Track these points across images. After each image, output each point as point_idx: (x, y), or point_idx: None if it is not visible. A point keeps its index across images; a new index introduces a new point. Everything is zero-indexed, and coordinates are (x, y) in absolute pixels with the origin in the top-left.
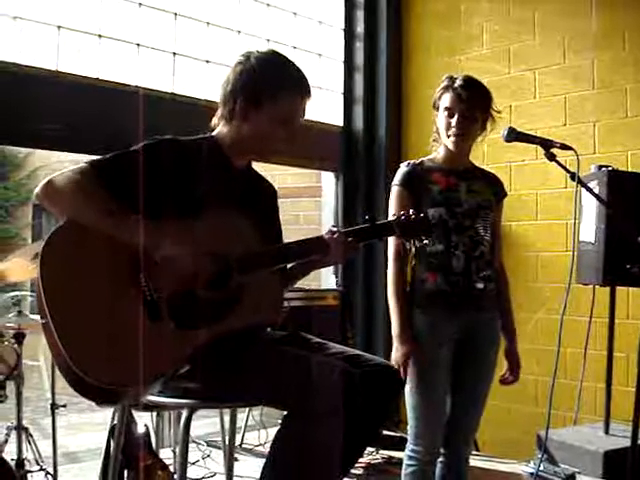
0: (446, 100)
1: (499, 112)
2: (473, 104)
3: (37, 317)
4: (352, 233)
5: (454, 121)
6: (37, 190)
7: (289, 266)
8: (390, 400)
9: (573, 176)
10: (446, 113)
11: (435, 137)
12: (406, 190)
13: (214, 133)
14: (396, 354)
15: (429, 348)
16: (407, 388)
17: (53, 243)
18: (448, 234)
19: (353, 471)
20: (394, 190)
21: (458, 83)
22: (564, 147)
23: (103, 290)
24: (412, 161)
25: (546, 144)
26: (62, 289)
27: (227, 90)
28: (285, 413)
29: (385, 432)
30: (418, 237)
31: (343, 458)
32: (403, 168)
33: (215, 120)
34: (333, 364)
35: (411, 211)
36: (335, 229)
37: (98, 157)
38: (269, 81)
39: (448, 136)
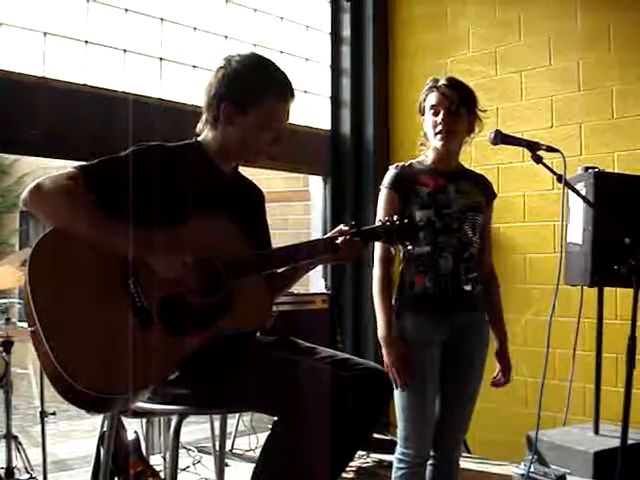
0: (431, 99)
1: (484, 111)
2: (458, 101)
3: (25, 325)
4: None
5: (440, 118)
6: (24, 195)
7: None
8: (380, 404)
9: (560, 178)
10: (432, 111)
11: (423, 141)
12: (394, 192)
13: (199, 138)
14: (388, 359)
15: (418, 350)
16: (396, 390)
17: (41, 249)
18: (436, 236)
19: (344, 475)
20: (382, 192)
21: (442, 82)
22: (550, 149)
23: (92, 296)
24: (401, 163)
25: (532, 146)
26: (51, 295)
27: (210, 95)
28: (275, 418)
29: (375, 435)
30: (403, 242)
31: (333, 462)
32: (392, 170)
33: (200, 125)
34: (322, 369)
35: (395, 217)
36: (346, 228)
37: (86, 162)
38: (252, 85)
39: (435, 135)
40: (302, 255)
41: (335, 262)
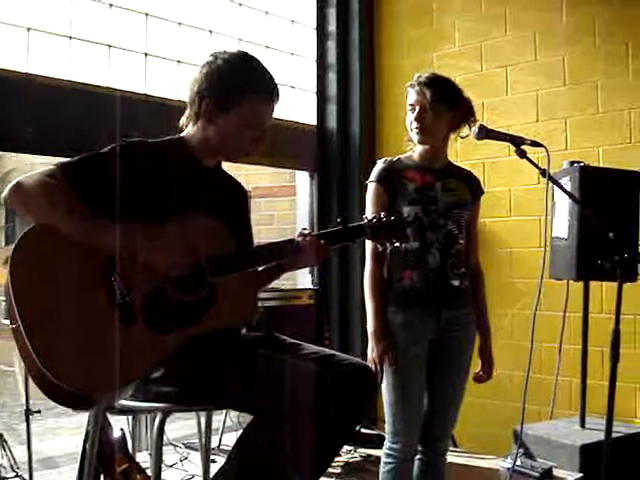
0: (409, 96)
1: (470, 107)
2: (433, 98)
3: (8, 322)
4: (324, 236)
5: (414, 116)
6: (5, 193)
7: (262, 268)
8: (364, 400)
9: (544, 173)
10: (409, 109)
11: (410, 137)
12: (382, 187)
13: (183, 134)
14: (373, 353)
15: (405, 345)
16: (384, 385)
17: (24, 245)
18: (423, 232)
19: (331, 470)
20: (370, 187)
21: (419, 79)
22: (534, 144)
23: (75, 293)
24: (389, 158)
25: (516, 141)
26: (33, 292)
27: (194, 91)
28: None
29: (363, 430)
30: (390, 240)
31: (317, 459)
32: (379, 165)
33: (183, 120)
34: (305, 367)
35: (382, 214)
36: (307, 232)
37: (68, 159)
38: (235, 84)
39: (411, 130)
40: (286, 253)
41: (298, 267)
